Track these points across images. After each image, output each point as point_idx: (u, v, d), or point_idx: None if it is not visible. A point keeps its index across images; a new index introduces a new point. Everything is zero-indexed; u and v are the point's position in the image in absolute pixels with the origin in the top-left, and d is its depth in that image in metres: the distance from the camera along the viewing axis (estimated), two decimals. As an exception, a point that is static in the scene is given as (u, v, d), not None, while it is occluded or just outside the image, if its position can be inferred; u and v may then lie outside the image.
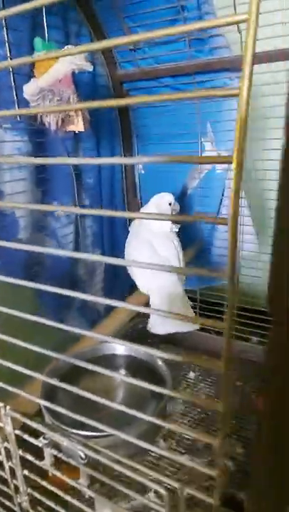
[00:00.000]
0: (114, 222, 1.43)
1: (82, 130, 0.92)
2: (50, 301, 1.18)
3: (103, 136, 1.31)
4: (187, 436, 1.07)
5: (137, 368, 0.64)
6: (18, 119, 0.97)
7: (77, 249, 1.26)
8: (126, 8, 1.11)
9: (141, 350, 0.61)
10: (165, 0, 1.05)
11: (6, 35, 0.91)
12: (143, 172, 1.46)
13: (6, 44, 0.92)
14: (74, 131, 0.96)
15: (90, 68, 0.88)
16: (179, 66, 1.19)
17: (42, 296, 1.14)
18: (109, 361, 0.63)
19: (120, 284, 1.43)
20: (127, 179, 1.44)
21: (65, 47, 0.86)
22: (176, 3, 1.05)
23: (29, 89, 0.88)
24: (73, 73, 0.93)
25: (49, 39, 1.02)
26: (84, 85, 1.21)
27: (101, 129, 1.30)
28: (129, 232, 1.24)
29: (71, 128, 0.92)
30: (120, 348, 0.65)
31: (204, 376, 1.24)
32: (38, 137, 1.03)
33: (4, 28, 0.90)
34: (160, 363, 0.61)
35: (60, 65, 0.87)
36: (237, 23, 0.23)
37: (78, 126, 0.91)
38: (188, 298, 1.10)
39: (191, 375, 1.35)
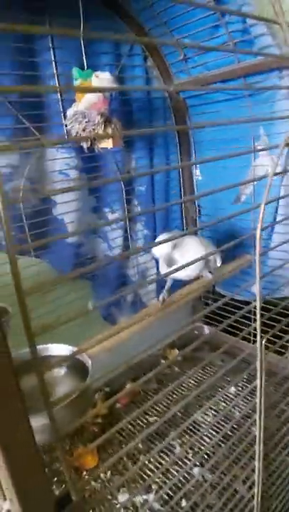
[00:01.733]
0: (169, 226, 1.49)
1: (112, 147, 1.02)
2: (102, 290, 1.33)
3: (157, 144, 1.38)
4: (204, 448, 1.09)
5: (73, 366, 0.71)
6: (66, 138, 1.13)
7: (125, 251, 1.38)
8: (171, 21, 1.15)
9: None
10: (205, 8, 1.05)
11: (55, 69, 1.07)
12: (200, 178, 1.47)
13: (56, 76, 1.08)
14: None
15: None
16: (228, 71, 1.17)
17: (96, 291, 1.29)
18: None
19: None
20: (184, 185, 1.48)
21: (94, 74, 0.96)
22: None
23: (69, 114, 1.02)
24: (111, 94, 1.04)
25: (100, 64, 1.15)
26: (139, 99, 1.30)
27: (155, 138, 1.37)
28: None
29: (102, 145, 1.02)
30: (56, 350, 0.73)
31: (245, 393, 1.21)
32: (85, 153, 1.17)
33: (53, 62, 1.06)
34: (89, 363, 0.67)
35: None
36: None
37: (108, 143, 1.01)
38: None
39: (232, 390, 1.33)
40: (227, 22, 1.07)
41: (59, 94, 1.09)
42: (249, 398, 1.23)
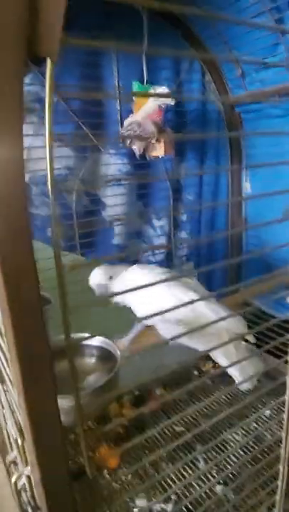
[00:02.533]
0: (215, 238, 1.49)
1: (163, 155, 1.06)
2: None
3: (209, 156, 1.41)
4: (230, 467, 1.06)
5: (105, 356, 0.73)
6: (121, 145, 1.19)
7: (167, 259, 1.40)
8: (231, 40, 1.18)
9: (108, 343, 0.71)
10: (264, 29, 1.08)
11: (117, 81, 1.15)
12: (250, 191, 1.47)
13: (117, 88, 1.15)
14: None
15: (172, 103, 1.02)
16: (285, 86, 1.17)
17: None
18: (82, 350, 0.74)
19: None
20: (232, 198, 1.48)
21: (151, 88, 1.02)
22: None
23: (125, 124, 1.09)
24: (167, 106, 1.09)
25: (160, 78, 1.21)
26: (194, 111, 1.35)
27: (207, 150, 1.40)
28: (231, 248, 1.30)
29: (154, 154, 1.07)
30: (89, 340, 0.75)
31: (281, 417, 1.16)
32: (138, 160, 1.22)
33: (116, 76, 1.14)
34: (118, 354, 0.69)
35: (150, 102, 1.05)
36: None
37: (159, 151, 1.06)
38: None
39: (267, 412, 1.28)
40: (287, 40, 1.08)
41: (118, 105, 1.16)
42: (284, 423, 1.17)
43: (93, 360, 0.71)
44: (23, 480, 0.40)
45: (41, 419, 0.37)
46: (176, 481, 1.05)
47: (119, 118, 1.17)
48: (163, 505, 0.98)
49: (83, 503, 0.37)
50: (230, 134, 1.35)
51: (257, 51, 1.15)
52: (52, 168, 0.34)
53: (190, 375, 1.50)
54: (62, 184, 1.12)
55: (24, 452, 0.39)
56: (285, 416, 0.69)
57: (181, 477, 1.06)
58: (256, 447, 1.12)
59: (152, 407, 1.34)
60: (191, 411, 1.31)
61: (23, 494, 0.40)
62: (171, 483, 1.05)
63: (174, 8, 0.33)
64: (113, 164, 1.21)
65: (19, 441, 0.39)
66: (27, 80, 0.99)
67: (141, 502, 1.00)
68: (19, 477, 0.39)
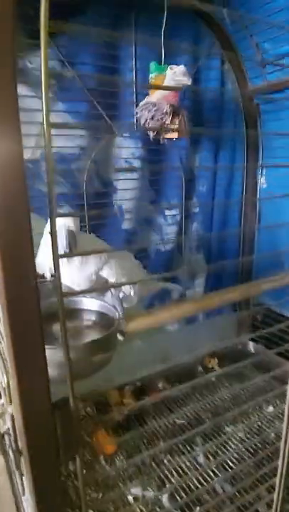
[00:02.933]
0: (226, 230, 1.46)
1: (177, 136, 1.04)
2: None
3: (224, 146, 1.39)
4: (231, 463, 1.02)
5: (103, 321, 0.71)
6: (136, 128, 1.18)
7: (177, 248, 1.38)
8: (253, 25, 1.17)
9: (108, 308, 0.69)
10: (287, 13, 1.05)
11: (134, 63, 1.14)
12: (265, 186, 1.43)
13: (134, 70, 1.14)
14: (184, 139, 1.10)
15: (189, 82, 1.00)
16: (306, 75, 1.15)
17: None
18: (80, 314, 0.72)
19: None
20: (247, 191, 1.45)
21: (168, 67, 1.01)
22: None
23: (140, 104, 1.08)
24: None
25: (177, 63, 1.20)
26: (212, 100, 1.33)
27: (222, 140, 1.37)
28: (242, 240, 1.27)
29: (168, 136, 1.06)
30: (88, 303, 0.73)
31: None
32: (152, 145, 1.20)
33: (134, 58, 1.13)
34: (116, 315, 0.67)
35: (166, 82, 1.03)
36: None
37: (174, 134, 1.04)
38: None
39: (270, 409, 1.23)
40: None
41: (134, 87, 1.15)
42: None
43: (90, 323, 0.69)
44: (8, 423, 0.38)
45: (25, 347, 0.36)
46: (174, 472, 1.02)
47: (134, 100, 1.16)
48: (157, 494, 0.95)
49: (64, 437, 0.35)
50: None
51: (277, 37, 1.13)
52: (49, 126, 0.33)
53: (194, 371, 1.47)
54: (74, 163, 1.11)
55: (10, 393, 0.37)
56: (285, 408, 0.65)
57: (178, 469, 1.03)
58: (258, 443, 1.08)
59: (153, 400, 1.31)
60: (194, 406, 1.28)
61: (6, 438, 0.38)
62: (168, 473, 1.02)
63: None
64: (126, 147, 1.20)
65: (5, 380, 0.38)
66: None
67: (136, 490, 0.97)
68: (2, 416, 0.38)
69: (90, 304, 0.73)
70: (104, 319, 0.70)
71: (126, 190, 1.23)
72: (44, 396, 0.35)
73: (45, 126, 0.34)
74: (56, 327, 0.59)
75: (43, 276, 0.90)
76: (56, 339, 0.56)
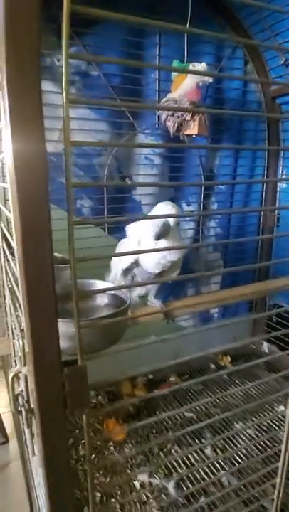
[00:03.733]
0: (244, 230, 1.47)
1: (196, 133, 1.07)
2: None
3: (245, 145, 1.39)
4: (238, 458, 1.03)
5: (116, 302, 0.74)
6: (157, 126, 1.21)
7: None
8: (276, 25, 1.17)
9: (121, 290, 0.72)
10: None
11: (158, 62, 1.17)
12: (285, 186, 1.43)
13: (157, 70, 1.18)
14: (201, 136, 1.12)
15: (210, 80, 1.02)
16: None
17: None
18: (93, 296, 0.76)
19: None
20: (266, 190, 1.45)
21: (190, 65, 1.03)
22: None
23: (162, 101, 1.10)
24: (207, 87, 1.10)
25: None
26: (233, 101, 1.34)
27: (243, 138, 1.38)
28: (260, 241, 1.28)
29: (187, 132, 1.08)
30: (101, 285, 0.76)
31: None
32: (173, 142, 1.23)
33: (157, 57, 1.16)
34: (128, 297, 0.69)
35: (188, 79, 1.06)
36: None
37: (193, 130, 1.06)
38: None
39: (280, 408, 1.23)
40: None
41: (157, 85, 1.18)
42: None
43: (103, 304, 0.72)
44: (22, 385, 0.42)
45: (39, 318, 0.39)
46: (181, 462, 1.03)
47: (157, 98, 1.19)
48: (164, 482, 0.97)
49: (72, 394, 0.38)
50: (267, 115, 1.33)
51: (302, 38, 1.13)
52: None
53: (206, 368, 1.49)
54: (96, 158, 1.15)
55: (25, 355, 0.41)
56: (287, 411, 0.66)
57: (186, 460, 1.04)
58: (267, 441, 1.08)
59: (164, 390, 1.33)
60: (204, 401, 1.29)
61: (20, 399, 0.42)
62: (175, 463, 1.04)
63: None
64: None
65: (21, 344, 0.41)
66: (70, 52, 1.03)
67: (142, 476, 0.99)
68: (17, 376, 0.41)
69: (103, 286, 0.76)
70: (116, 300, 0.74)
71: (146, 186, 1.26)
72: (54, 356, 0.38)
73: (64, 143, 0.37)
74: (67, 307, 0.62)
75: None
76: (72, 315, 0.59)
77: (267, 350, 1.54)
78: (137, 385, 1.35)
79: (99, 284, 0.77)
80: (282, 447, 0.68)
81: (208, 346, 1.49)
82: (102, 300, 0.75)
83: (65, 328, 0.47)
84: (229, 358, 1.49)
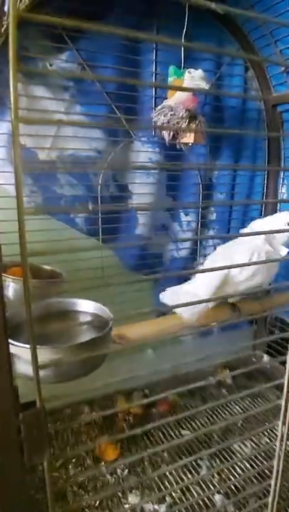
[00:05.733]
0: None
1: (193, 142, 1.03)
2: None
3: (245, 154, 1.36)
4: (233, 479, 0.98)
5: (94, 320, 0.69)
6: (153, 134, 1.18)
7: (192, 255, 1.35)
8: (276, 31, 1.14)
9: (104, 310, 0.68)
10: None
11: (154, 68, 1.14)
12: (286, 196, 1.39)
13: (154, 74, 1.15)
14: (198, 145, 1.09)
15: (207, 87, 0.99)
16: None
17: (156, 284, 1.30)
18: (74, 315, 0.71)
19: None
20: (266, 203, 1.42)
21: (186, 71, 1.00)
22: None
23: (157, 108, 1.07)
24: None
25: (199, 69, 1.19)
26: (233, 108, 1.31)
27: (243, 148, 1.35)
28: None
29: (183, 140, 1.04)
30: (84, 305, 0.72)
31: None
32: (170, 150, 1.19)
33: (154, 63, 1.14)
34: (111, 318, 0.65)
35: (184, 86, 1.03)
36: None
37: (190, 138, 1.03)
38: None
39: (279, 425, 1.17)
40: None
41: (153, 92, 1.15)
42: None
43: (85, 326, 0.68)
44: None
45: None
46: (174, 484, 0.98)
47: (153, 105, 1.16)
48: (156, 506, 0.92)
49: (29, 439, 0.33)
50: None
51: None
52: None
53: (206, 385, 1.43)
54: (90, 166, 1.12)
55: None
56: (279, 424, 0.61)
57: (179, 481, 0.99)
58: (265, 462, 1.02)
59: (160, 407, 1.28)
60: (202, 419, 1.24)
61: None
62: (168, 485, 0.98)
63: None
64: (144, 152, 1.20)
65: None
66: (63, 56, 1.01)
67: (133, 499, 0.94)
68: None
69: (86, 306, 0.72)
70: (99, 321, 0.69)
71: (142, 194, 1.22)
72: (6, 401, 0.33)
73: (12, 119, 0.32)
74: (51, 327, 0.59)
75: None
76: (50, 339, 0.56)
77: (268, 366, 1.48)
78: (132, 401, 1.30)
79: (81, 304, 0.73)
80: (275, 463, 0.63)
81: (207, 361, 1.44)
82: (84, 320, 0.71)
83: (40, 354, 0.43)
84: (228, 372, 1.43)
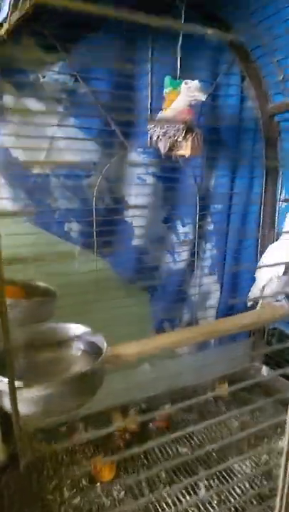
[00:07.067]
0: (240, 252, 1.40)
1: (189, 154, 1.01)
2: (159, 303, 1.30)
3: (242, 165, 1.34)
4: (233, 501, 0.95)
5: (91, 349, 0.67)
6: (149, 145, 1.16)
7: (189, 267, 1.33)
8: (274, 41, 1.13)
9: (98, 337, 0.65)
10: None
11: (150, 79, 1.12)
12: (284, 206, 1.37)
13: (149, 87, 1.12)
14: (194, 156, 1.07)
15: (203, 98, 0.97)
16: None
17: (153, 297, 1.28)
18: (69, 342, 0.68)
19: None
20: (264, 210, 1.40)
21: (183, 82, 0.98)
22: None
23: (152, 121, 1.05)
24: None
25: (195, 79, 1.17)
26: (229, 118, 1.29)
27: (240, 158, 1.33)
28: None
29: (179, 152, 1.02)
30: (76, 330, 0.69)
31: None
32: (166, 162, 1.17)
33: (149, 73, 1.11)
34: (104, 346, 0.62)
35: (180, 97, 1.01)
36: None
37: (186, 151, 1.01)
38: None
39: (280, 444, 1.15)
40: None
41: (149, 103, 1.13)
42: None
43: (79, 353, 0.66)
44: None
45: None
46: (172, 505, 0.96)
47: (148, 116, 1.14)
48: (154, 532, 0.89)
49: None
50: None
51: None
52: None
53: (203, 398, 1.41)
54: (85, 178, 1.10)
55: None
56: (285, 442, 0.59)
57: (177, 502, 0.97)
58: (265, 481, 1.00)
59: (157, 423, 1.26)
60: (200, 435, 1.22)
61: None
62: (165, 507, 0.96)
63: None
64: (140, 164, 1.17)
65: None
66: (56, 68, 0.98)
67: (130, 524, 0.92)
68: None
69: (79, 332, 0.70)
70: (92, 348, 0.67)
71: (138, 207, 1.20)
72: None
73: None
74: (42, 356, 0.57)
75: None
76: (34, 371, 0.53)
77: (266, 376, 1.46)
78: (128, 416, 1.27)
79: (74, 329, 0.70)
80: (280, 482, 0.61)
81: (205, 375, 1.42)
82: (77, 348, 0.68)
83: (26, 393, 0.41)
84: (226, 386, 1.41)
